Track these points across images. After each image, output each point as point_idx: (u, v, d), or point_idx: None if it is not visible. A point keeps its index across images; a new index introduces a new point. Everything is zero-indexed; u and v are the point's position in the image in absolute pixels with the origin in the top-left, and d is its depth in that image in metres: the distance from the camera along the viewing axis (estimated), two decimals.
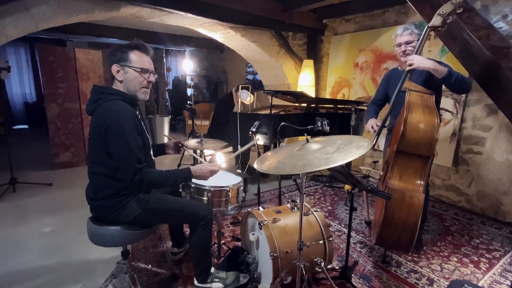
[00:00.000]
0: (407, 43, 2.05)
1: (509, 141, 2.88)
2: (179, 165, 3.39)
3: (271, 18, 3.82)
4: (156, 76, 1.57)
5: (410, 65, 1.89)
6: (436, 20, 1.83)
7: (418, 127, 1.76)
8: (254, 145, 2.12)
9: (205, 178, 1.61)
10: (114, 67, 1.44)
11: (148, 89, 1.54)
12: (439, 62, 1.94)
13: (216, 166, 1.62)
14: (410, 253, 2.25)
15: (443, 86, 2.07)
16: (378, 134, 2.16)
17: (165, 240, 2.39)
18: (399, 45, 2.09)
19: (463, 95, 3.11)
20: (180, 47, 8.55)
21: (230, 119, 3.33)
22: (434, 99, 1.86)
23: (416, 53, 1.93)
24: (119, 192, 1.44)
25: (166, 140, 1.87)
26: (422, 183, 1.77)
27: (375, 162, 3.31)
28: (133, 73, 1.45)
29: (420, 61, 1.86)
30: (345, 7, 4.03)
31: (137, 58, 1.45)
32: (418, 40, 2.01)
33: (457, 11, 1.80)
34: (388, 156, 2.05)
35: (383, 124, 2.13)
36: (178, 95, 8.21)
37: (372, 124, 2.21)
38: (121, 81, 1.46)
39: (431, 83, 1.98)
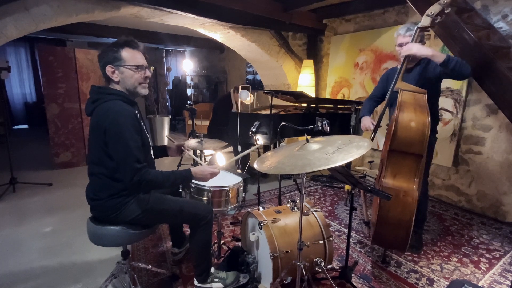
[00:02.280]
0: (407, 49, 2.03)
1: (509, 141, 2.88)
2: (179, 165, 3.39)
3: (271, 18, 3.82)
4: (152, 68, 1.55)
5: (408, 50, 1.87)
6: (425, 21, 1.84)
7: (409, 125, 1.77)
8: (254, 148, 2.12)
9: (205, 180, 1.61)
10: (109, 69, 1.42)
11: (146, 84, 1.52)
12: None
13: (217, 169, 1.61)
14: (410, 253, 2.26)
15: (442, 86, 2.07)
16: (375, 131, 2.15)
17: (165, 240, 2.39)
18: (401, 45, 2.07)
19: (463, 95, 3.11)
20: (180, 47, 8.55)
21: (230, 119, 3.33)
22: (426, 98, 1.85)
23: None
24: (119, 192, 1.44)
25: (167, 141, 1.85)
26: (416, 181, 1.78)
27: (370, 162, 3.30)
28: (129, 72, 1.43)
29: (419, 48, 1.85)
30: (345, 7, 4.03)
31: (129, 56, 1.43)
32: (420, 41, 2.00)
33: (445, 11, 1.81)
34: (382, 155, 2.06)
35: (378, 123, 2.13)
36: (178, 95, 8.20)
37: (367, 124, 2.20)
38: (117, 82, 1.44)
39: (430, 84, 1.98)
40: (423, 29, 1.87)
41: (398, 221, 1.75)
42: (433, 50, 1.85)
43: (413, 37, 1.92)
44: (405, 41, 2.04)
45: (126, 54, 1.42)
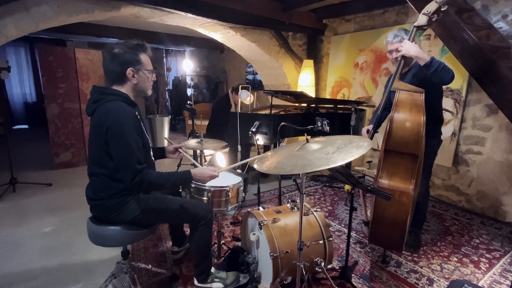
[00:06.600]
0: (398, 51, 2.03)
1: (509, 141, 2.88)
2: (179, 165, 3.39)
3: (271, 18, 3.82)
4: (155, 73, 1.61)
5: (399, 51, 1.93)
6: (421, 20, 1.84)
7: (404, 125, 1.76)
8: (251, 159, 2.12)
9: (204, 182, 1.62)
10: (130, 71, 1.45)
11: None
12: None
13: (216, 172, 1.62)
14: (410, 253, 2.26)
15: (443, 86, 2.07)
16: (374, 132, 2.14)
17: (165, 240, 2.39)
18: (390, 52, 2.11)
19: (463, 95, 3.11)
20: (180, 47, 8.55)
21: (230, 119, 3.33)
22: (423, 97, 1.84)
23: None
24: (119, 192, 1.44)
25: (166, 143, 1.85)
26: (412, 181, 1.77)
27: (369, 162, 3.29)
28: (145, 75, 1.51)
29: (406, 48, 1.87)
30: (345, 7, 4.03)
31: (146, 60, 1.50)
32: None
33: (442, 9, 1.80)
34: (379, 155, 2.06)
35: (375, 125, 2.12)
36: (178, 95, 8.20)
37: (366, 129, 2.26)
38: (135, 84, 1.49)
39: (428, 85, 1.97)
40: (420, 27, 1.87)
41: (392, 221, 1.75)
42: (419, 52, 1.83)
43: (409, 36, 1.92)
44: (393, 47, 2.07)
45: (144, 58, 1.49)
